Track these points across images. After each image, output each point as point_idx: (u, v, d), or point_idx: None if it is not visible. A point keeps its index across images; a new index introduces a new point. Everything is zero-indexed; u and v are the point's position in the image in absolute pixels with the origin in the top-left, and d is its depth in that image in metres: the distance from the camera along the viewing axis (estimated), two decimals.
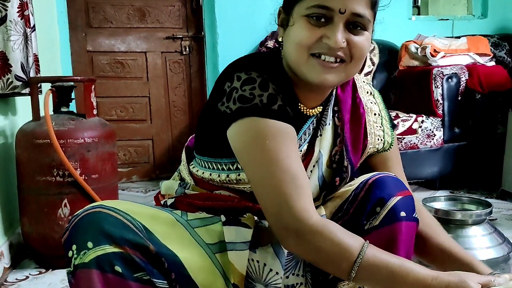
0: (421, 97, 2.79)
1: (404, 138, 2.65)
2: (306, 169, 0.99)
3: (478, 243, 1.36)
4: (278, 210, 0.84)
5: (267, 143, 0.85)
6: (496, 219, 2.22)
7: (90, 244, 0.79)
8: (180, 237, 0.89)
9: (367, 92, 1.10)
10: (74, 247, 0.80)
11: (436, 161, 2.75)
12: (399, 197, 0.92)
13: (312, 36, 0.86)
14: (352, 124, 1.03)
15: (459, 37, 3.07)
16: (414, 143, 2.68)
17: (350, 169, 1.01)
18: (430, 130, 2.69)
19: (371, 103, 1.09)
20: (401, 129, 2.65)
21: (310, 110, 0.99)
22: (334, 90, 1.03)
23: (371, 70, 3.16)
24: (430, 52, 2.85)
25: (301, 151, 0.99)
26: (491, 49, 3.08)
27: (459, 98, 2.73)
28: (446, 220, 1.41)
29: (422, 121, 2.68)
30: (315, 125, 1.02)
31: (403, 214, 0.91)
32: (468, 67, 2.77)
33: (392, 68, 3.19)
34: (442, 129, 2.72)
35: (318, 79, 0.89)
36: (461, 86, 2.72)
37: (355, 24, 0.87)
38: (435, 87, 2.69)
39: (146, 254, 0.82)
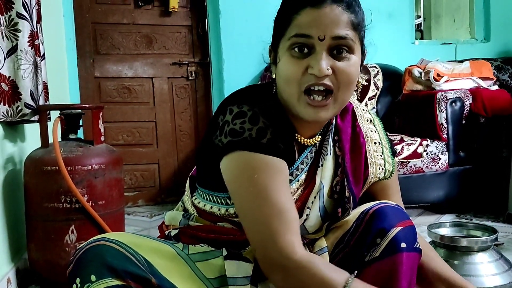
0: (426, 121, 2.80)
1: (409, 162, 2.66)
2: (307, 200, 1.00)
3: (484, 270, 1.35)
4: (264, 245, 0.85)
5: (255, 177, 0.86)
6: (503, 243, 2.20)
7: (93, 277, 0.80)
8: (181, 271, 0.90)
9: (367, 120, 1.09)
10: (77, 280, 0.82)
11: (442, 185, 2.75)
12: (399, 228, 0.92)
13: (297, 69, 0.87)
14: (352, 153, 1.03)
15: (462, 61, 3.10)
16: (419, 167, 2.68)
17: (352, 199, 1.01)
18: (435, 154, 2.70)
19: (371, 131, 1.08)
20: (406, 153, 2.65)
21: (308, 140, 0.99)
22: (334, 119, 1.04)
23: (375, 94, 3.18)
24: (433, 77, 2.87)
25: (298, 180, 0.99)
26: (494, 73, 3.11)
27: (463, 122, 2.74)
28: (452, 247, 1.41)
29: (427, 145, 2.69)
30: (313, 154, 1.02)
31: (403, 245, 0.91)
32: (472, 91, 2.79)
33: (396, 92, 3.21)
34: (447, 153, 2.72)
35: (311, 117, 0.90)
36: (465, 110, 2.73)
37: (339, 49, 0.87)
38: (439, 111, 2.71)
39: (148, 287, 0.83)
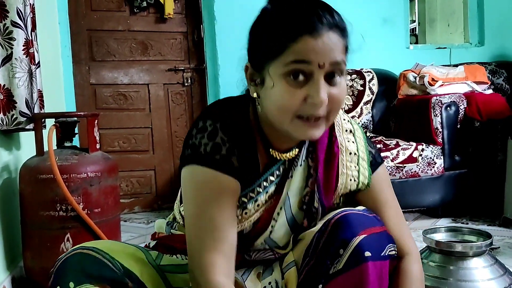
0: (421, 125, 2.81)
1: (405, 166, 2.66)
2: (273, 212, 0.99)
3: (480, 275, 1.35)
4: (191, 255, 0.88)
5: (200, 191, 0.89)
6: (498, 247, 2.21)
7: (71, 285, 0.84)
8: (153, 278, 0.94)
9: (346, 130, 1.05)
10: None
11: (438, 189, 2.76)
12: (362, 236, 0.87)
13: (295, 99, 0.84)
14: (325, 164, 1.00)
15: (456, 65, 3.12)
16: (415, 171, 2.69)
17: (320, 210, 0.99)
18: (431, 158, 2.71)
19: (349, 141, 1.04)
20: (401, 157, 2.66)
21: (283, 155, 0.97)
22: None
23: (370, 99, 3.20)
24: (428, 81, 2.89)
25: (267, 192, 0.98)
26: (488, 77, 3.13)
27: (458, 126, 2.75)
28: (447, 252, 1.40)
29: (422, 150, 2.70)
30: (286, 166, 1.00)
31: (368, 254, 0.87)
32: (466, 95, 2.80)
33: (391, 96, 3.22)
34: (442, 157, 2.73)
35: (304, 136, 0.89)
36: (460, 114, 2.74)
37: (333, 74, 0.85)
38: (434, 115, 2.72)
39: None
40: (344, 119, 1.06)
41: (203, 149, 0.90)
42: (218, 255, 0.85)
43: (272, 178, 0.98)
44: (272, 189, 0.99)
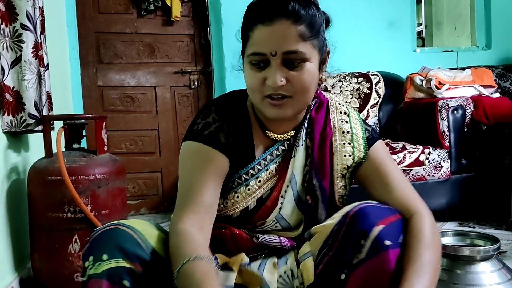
0: (428, 128, 2.81)
1: (412, 170, 2.66)
2: (280, 189, 1.07)
3: (487, 279, 1.35)
4: (174, 209, 1.01)
5: (188, 161, 1.03)
6: (506, 251, 2.20)
7: (105, 256, 0.86)
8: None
9: (341, 112, 1.12)
10: (91, 258, 0.87)
11: (444, 193, 2.75)
12: (381, 226, 0.90)
13: (256, 80, 0.96)
14: (320, 144, 1.08)
15: (463, 69, 3.11)
16: (422, 174, 2.68)
17: (319, 186, 1.06)
18: (437, 161, 2.70)
19: (342, 121, 1.11)
20: (408, 160, 2.66)
21: (279, 136, 1.08)
22: (308, 114, 1.10)
23: (377, 102, 3.19)
24: (435, 84, 2.88)
25: (267, 169, 1.08)
26: (495, 80, 3.12)
27: (465, 129, 2.74)
28: (455, 256, 1.40)
29: (429, 153, 2.69)
30: (286, 147, 1.09)
31: (388, 242, 0.89)
32: (473, 98, 2.80)
33: (397, 100, 3.22)
34: (449, 160, 2.72)
35: (273, 115, 0.99)
36: (466, 118, 2.74)
37: (291, 61, 0.94)
38: (441, 119, 2.71)
39: (153, 273, 0.89)
40: (339, 104, 1.14)
41: (196, 127, 1.04)
42: (190, 213, 0.95)
43: (270, 157, 1.08)
44: (272, 167, 1.08)
